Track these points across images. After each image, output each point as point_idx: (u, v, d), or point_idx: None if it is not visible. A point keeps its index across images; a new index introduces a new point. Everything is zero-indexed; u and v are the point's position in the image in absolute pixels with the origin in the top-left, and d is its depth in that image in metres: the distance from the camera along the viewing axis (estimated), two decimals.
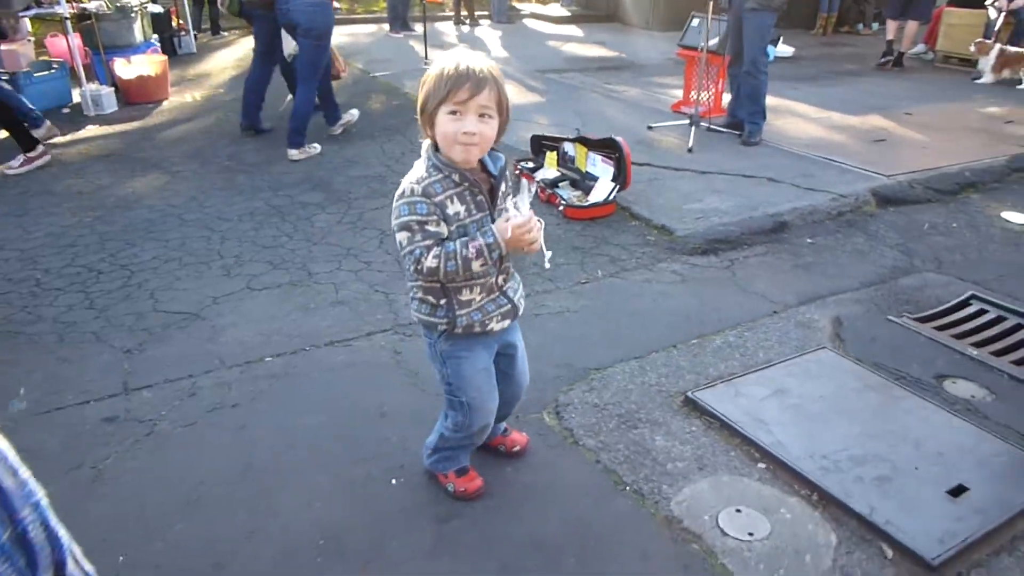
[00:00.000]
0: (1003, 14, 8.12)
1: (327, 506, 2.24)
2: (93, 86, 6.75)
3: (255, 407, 2.73)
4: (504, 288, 2.07)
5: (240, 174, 5.19)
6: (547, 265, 2.11)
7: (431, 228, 1.86)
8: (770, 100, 5.88)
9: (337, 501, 2.26)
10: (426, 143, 1.94)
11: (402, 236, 1.89)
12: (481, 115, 1.82)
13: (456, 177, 1.88)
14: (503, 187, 2.01)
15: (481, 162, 1.95)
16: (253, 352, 3.08)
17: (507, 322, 2.08)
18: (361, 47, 9.61)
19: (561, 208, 4.49)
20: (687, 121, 5.81)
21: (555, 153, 4.96)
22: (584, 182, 4.70)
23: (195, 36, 9.74)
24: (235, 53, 9.45)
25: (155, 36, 8.11)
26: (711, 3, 5.75)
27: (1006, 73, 8.01)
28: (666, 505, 2.21)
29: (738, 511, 2.16)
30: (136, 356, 3.06)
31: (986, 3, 8.31)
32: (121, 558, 2.06)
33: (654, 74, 8.35)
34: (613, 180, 4.52)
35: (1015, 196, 4.92)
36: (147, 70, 6.98)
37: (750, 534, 2.08)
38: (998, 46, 7.94)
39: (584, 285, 3.68)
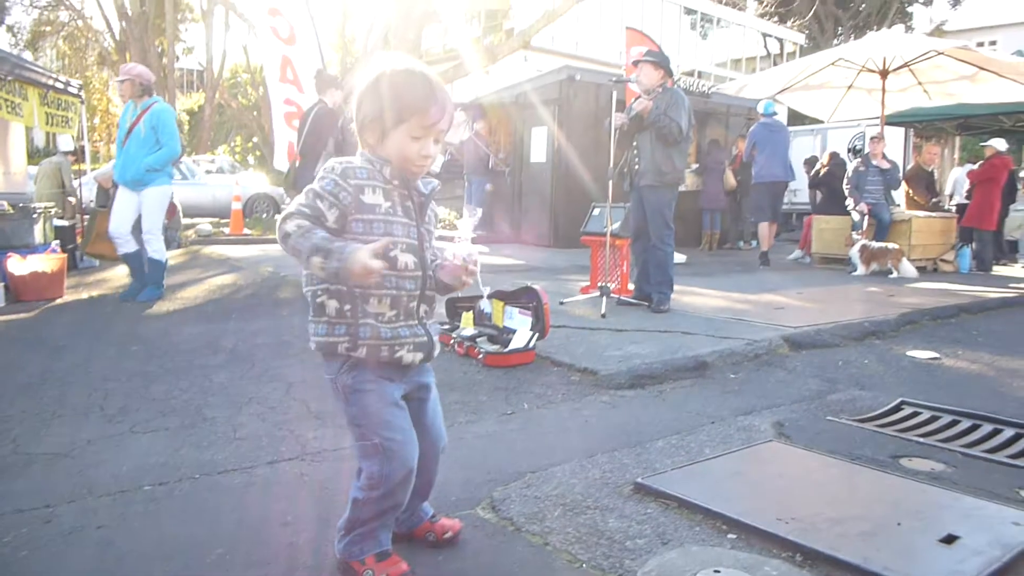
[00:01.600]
0: (866, 216, 9.09)
1: None
2: None
3: (126, 526, 2.24)
4: (423, 321, 1.88)
5: (134, 345, 4.81)
6: (485, 298, 1.98)
7: (320, 204, 1.71)
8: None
9: None
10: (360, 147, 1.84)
11: (296, 199, 1.75)
12: (436, 139, 1.78)
13: (387, 172, 1.77)
14: (430, 209, 1.91)
15: None
16: (129, 482, 2.60)
17: (420, 356, 1.86)
18: (272, 258, 9.65)
19: (481, 357, 4.32)
20: (598, 294, 5.94)
21: (471, 313, 4.88)
22: (502, 336, 4.59)
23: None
24: None
25: (56, 242, 7.92)
26: (610, 191, 6.18)
27: (875, 266, 8.78)
28: None
29: (717, 572, 1.83)
30: None
31: (848, 208, 9.33)
32: None
33: (560, 273, 8.69)
34: (532, 329, 4.44)
35: (915, 340, 5.13)
36: (42, 267, 6.69)
37: None
38: (861, 241, 8.77)
39: (511, 415, 3.42)
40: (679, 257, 10.15)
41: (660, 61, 5.95)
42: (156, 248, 6.40)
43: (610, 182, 6.01)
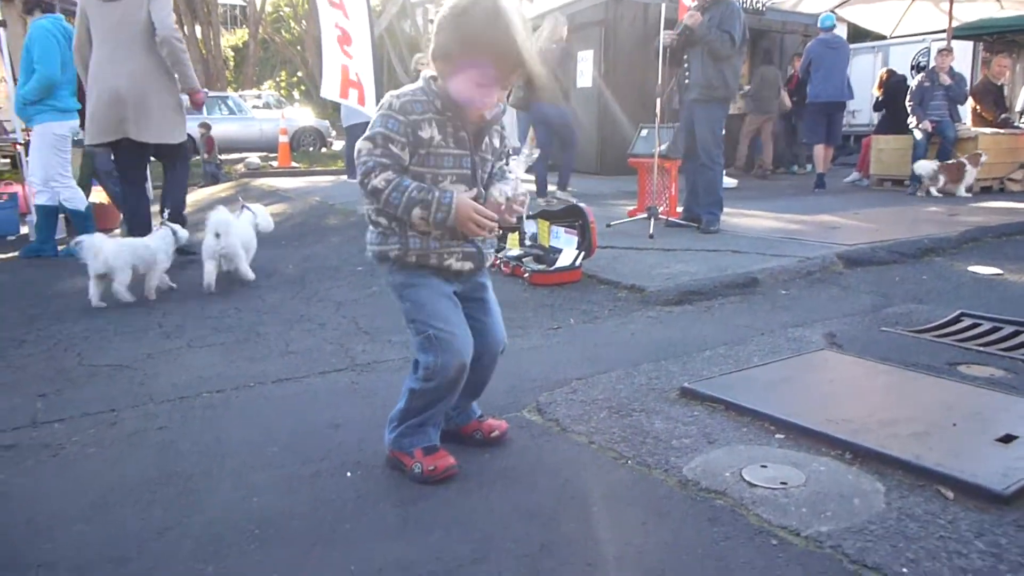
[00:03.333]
0: (930, 134, 8.63)
1: (265, 500, 1.83)
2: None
3: (186, 428, 2.33)
4: (471, 238, 1.86)
5: (189, 270, 4.94)
6: (529, 219, 1.97)
7: (394, 149, 1.73)
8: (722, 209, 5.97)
9: (279, 495, 1.85)
10: (424, 71, 1.81)
11: (364, 144, 1.75)
12: (504, 86, 1.76)
13: (439, 104, 1.75)
14: (492, 137, 1.88)
15: None
16: (188, 390, 2.70)
17: (468, 265, 1.88)
18: (320, 189, 9.75)
19: (527, 276, 4.31)
20: (645, 216, 5.84)
21: (516, 233, 4.86)
22: (548, 256, 4.56)
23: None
24: (193, 197, 9.47)
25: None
26: (659, 110, 6.01)
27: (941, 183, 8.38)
28: (677, 472, 1.86)
29: (764, 467, 1.82)
30: (52, 398, 2.65)
31: (911, 126, 8.88)
32: None
33: (607, 199, 8.55)
34: (578, 248, 4.40)
35: (977, 256, 4.93)
36: (99, 199, 6.87)
37: (783, 483, 1.73)
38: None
39: (556, 330, 3.42)
40: (730, 182, 9.90)
41: None
42: (67, 196, 5.43)
43: (658, 100, 5.82)
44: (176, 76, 4.90)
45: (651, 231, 5.54)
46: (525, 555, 1.54)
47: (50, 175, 5.36)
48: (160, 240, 4.23)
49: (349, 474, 1.93)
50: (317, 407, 2.48)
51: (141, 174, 5.15)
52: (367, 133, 1.75)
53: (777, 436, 2.04)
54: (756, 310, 3.68)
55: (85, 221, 5.51)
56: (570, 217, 4.52)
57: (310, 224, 6.74)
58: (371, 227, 1.87)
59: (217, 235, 4.18)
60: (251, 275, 4.44)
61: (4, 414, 2.49)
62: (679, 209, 6.48)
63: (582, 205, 4.44)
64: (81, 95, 5.22)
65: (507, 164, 1.94)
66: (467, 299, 1.93)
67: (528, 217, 4.80)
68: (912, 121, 8.84)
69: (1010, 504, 1.62)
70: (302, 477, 1.94)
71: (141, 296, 4.15)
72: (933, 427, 2.00)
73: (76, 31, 4.90)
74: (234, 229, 4.27)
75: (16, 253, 5.59)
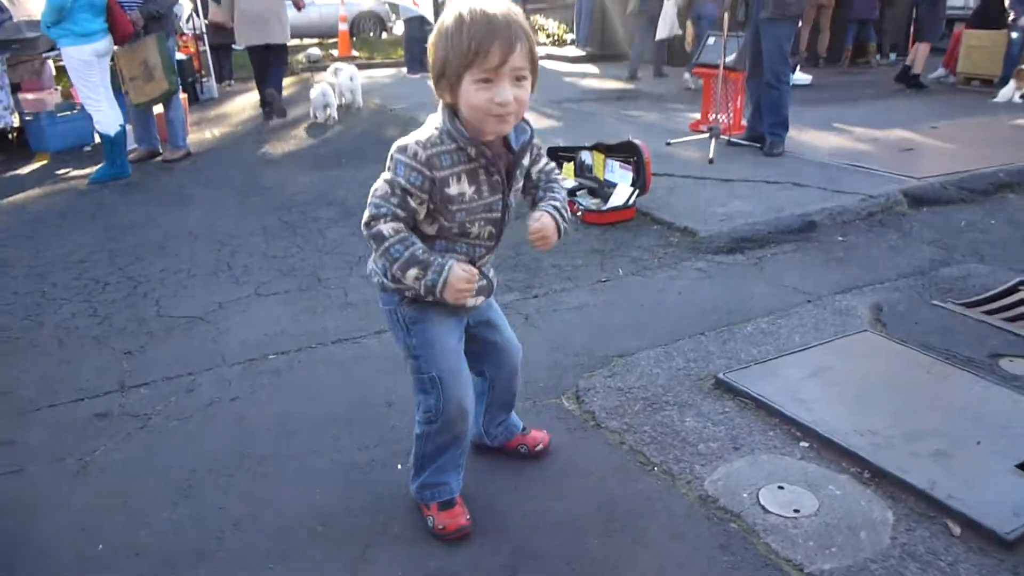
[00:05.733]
0: None
1: (326, 492, 2.05)
2: None
3: (255, 399, 2.57)
4: (480, 267, 1.78)
5: (254, 196, 5.13)
6: (586, 150, 1.91)
7: (412, 203, 1.61)
8: (790, 118, 5.71)
9: (338, 487, 2.07)
10: (441, 104, 1.64)
11: (380, 185, 1.64)
12: (517, 78, 1.54)
13: (472, 151, 1.60)
14: (525, 162, 1.75)
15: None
16: (256, 350, 2.93)
17: (481, 299, 1.82)
18: (379, 86, 9.72)
19: (580, 213, 4.34)
20: (706, 135, 5.69)
21: (572, 163, 4.84)
22: (603, 190, 4.56)
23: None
24: (252, 98, 9.55)
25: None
26: (726, 20, 5.71)
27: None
28: (699, 485, 2.00)
29: (780, 488, 1.94)
30: (136, 357, 2.92)
31: (1010, 21, 8.18)
32: (100, 546, 1.88)
33: (670, 101, 8.30)
34: (632, 185, 4.39)
35: None
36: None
37: (795, 511, 1.85)
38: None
39: (605, 283, 3.50)
40: (804, 78, 9.41)
41: None
42: (97, 120, 5.57)
43: (725, 14, 5.52)
44: None
45: (711, 155, 5.42)
46: (548, 572, 1.73)
47: (85, 97, 5.46)
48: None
49: (400, 466, 2.13)
50: (373, 377, 2.66)
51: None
52: (387, 176, 1.63)
53: (802, 444, 2.14)
54: (808, 265, 3.66)
55: (112, 147, 5.58)
56: (625, 152, 4.47)
57: (369, 137, 6.78)
58: (379, 256, 1.72)
59: (351, 78, 8.02)
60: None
61: (95, 375, 2.77)
62: (743, 123, 6.28)
63: (638, 141, 4.37)
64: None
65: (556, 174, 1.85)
66: (475, 334, 1.91)
67: (585, 148, 4.76)
68: (1011, 16, 8.13)
69: (1012, 550, 1.70)
70: (359, 466, 2.15)
71: (209, 228, 4.38)
72: (956, 444, 2.06)
73: None
74: (356, 76, 8.16)
75: (93, 169, 5.84)
